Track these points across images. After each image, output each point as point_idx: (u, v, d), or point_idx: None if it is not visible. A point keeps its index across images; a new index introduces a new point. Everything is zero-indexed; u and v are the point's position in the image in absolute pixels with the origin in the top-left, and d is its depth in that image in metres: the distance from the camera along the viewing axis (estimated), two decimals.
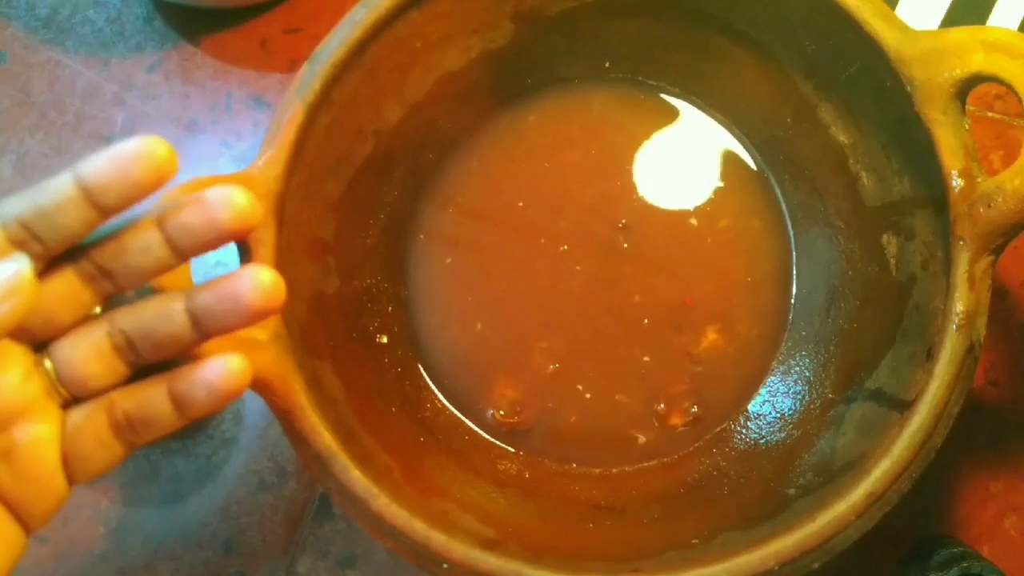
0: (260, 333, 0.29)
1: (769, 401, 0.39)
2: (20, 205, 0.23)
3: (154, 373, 0.25)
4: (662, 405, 0.39)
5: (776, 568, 0.29)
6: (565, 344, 0.40)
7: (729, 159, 0.41)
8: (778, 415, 0.38)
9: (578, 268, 0.40)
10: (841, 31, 0.32)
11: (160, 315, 0.25)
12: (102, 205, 0.23)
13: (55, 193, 0.23)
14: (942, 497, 0.42)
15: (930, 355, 0.30)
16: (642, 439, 0.40)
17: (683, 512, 0.36)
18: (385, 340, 0.39)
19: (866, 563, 0.41)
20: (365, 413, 0.34)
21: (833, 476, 0.32)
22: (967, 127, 0.30)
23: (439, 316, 0.40)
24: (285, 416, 0.30)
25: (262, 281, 0.24)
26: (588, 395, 0.40)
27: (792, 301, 0.40)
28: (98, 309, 0.26)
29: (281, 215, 0.30)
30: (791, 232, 0.41)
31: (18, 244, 0.23)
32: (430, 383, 0.40)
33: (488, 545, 0.30)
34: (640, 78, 0.41)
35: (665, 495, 0.38)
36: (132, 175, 0.23)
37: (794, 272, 0.40)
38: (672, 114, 0.41)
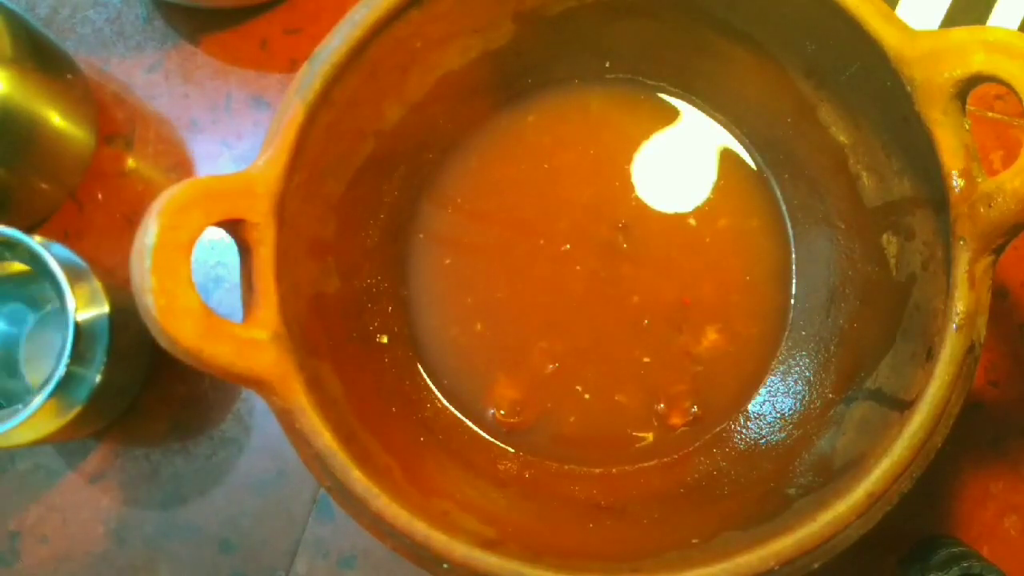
0: (260, 333, 0.29)
1: (769, 401, 0.39)
2: None
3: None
4: (662, 405, 0.39)
5: (776, 568, 0.29)
6: (565, 344, 0.40)
7: (729, 159, 0.41)
8: (778, 415, 0.38)
9: (578, 268, 0.40)
10: (841, 31, 0.32)
11: None
12: None
13: None
14: (942, 497, 0.42)
15: (930, 355, 0.30)
16: (642, 439, 0.40)
17: (683, 512, 0.36)
18: (385, 340, 0.39)
19: (866, 563, 0.41)
20: (365, 413, 0.34)
21: (833, 476, 0.32)
22: (967, 127, 0.30)
23: (439, 316, 0.40)
24: (285, 416, 0.30)
25: None
26: (588, 395, 0.40)
27: (792, 301, 0.40)
28: None
29: (281, 215, 0.30)
30: (791, 232, 0.41)
31: None
32: (430, 383, 0.40)
33: (488, 545, 0.30)
34: (640, 78, 0.41)
35: (665, 495, 0.38)
36: None
37: (794, 272, 0.40)
38: (672, 114, 0.41)
